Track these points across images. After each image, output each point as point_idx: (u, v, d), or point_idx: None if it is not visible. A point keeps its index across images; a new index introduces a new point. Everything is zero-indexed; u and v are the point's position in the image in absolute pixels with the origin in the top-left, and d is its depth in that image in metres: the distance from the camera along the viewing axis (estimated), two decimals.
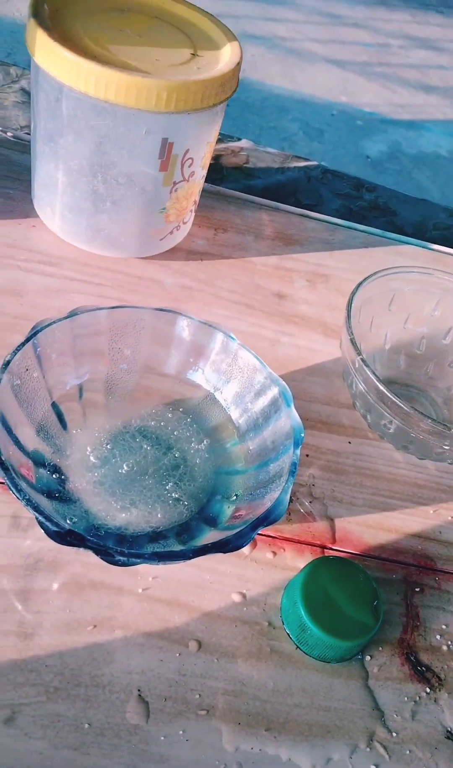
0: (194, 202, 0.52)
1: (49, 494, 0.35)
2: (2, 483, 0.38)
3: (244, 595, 0.37)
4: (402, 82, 2.20)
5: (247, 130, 1.83)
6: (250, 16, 2.32)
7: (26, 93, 0.73)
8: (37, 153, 0.48)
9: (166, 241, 0.52)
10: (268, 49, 2.19)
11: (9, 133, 0.60)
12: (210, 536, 0.35)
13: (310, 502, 0.42)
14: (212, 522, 0.36)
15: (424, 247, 0.61)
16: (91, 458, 0.38)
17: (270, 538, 0.39)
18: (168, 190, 0.47)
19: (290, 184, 0.69)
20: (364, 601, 0.34)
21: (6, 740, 0.31)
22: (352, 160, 1.83)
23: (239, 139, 0.74)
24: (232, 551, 0.31)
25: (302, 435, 0.36)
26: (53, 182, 0.48)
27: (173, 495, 0.37)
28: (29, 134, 0.62)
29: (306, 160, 0.72)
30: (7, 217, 0.53)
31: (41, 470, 0.36)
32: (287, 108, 1.98)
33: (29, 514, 0.37)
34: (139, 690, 0.33)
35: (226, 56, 0.45)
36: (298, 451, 0.35)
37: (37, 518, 0.30)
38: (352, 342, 0.41)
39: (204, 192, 0.59)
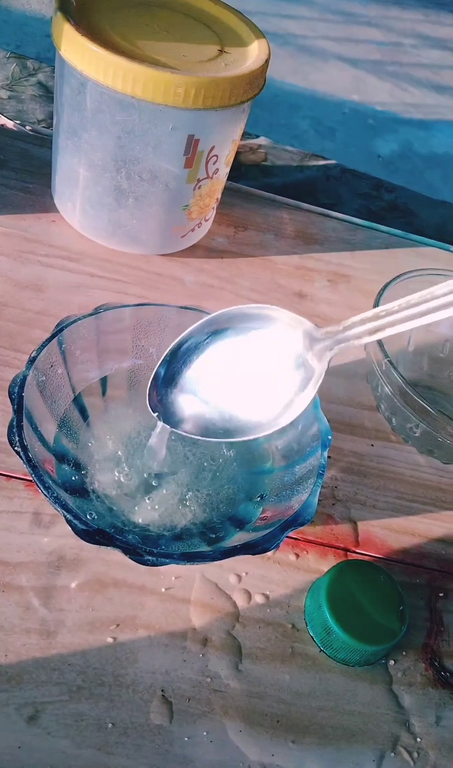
0: (216, 199, 0.52)
1: (71, 490, 0.35)
2: (22, 479, 0.38)
3: (267, 597, 0.37)
4: (414, 82, 2.19)
5: (257, 127, 1.81)
6: (263, 12, 2.31)
7: (43, 86, 0.73)
8: (59, 147, 0.48)
9: (187, 238, 0.52)
10: (280, 46, 2.18)
11: (28, 127, 0.60)
12: (237, 537, 0.34)
13: (333, 504, 0.41)
14: (239, 523, 0.36)
15: (446, 249, 0.61)
16: (114, 455, 0.38)
17: (293, 540, 0.39)
18: (191, 187, 0.47)
19: (309, 182, 0.68)
20: (389, 605, 0.34)
21: (29, 738, 0.30)
22: (364, 159, 1.82)
23: (257, 137, 0.73)
24: (260, 553, 0.30)
25: (330, 437, 0.35)
26: (75, 177, 0.48)
27: (198, 494, 0.37)
28: (47, 128, 0.62)
29: (324, 159, 0.72)
30: (27, 212, 0.52)
31: (63, 466, 0.36)
32: (298, 105, 1.97)
33: (51, 510, 0.37)
34: (162, 690, 0.33)
35: (254, 53, 0.45)
36: (325, 453, 0.35)
37: (65, 516, 0.30)
38: (380, 344, 0.41)
39: (224, 189, 0.58)
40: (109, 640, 0.34)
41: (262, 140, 0.72)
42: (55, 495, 0.30)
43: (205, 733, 0.32)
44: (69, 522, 0.30)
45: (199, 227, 0.52)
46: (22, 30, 1.92)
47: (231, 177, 0.65)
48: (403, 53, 2.33)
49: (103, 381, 0.39)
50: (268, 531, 0.31)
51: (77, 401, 0.38)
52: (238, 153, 0.69)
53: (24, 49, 1.83)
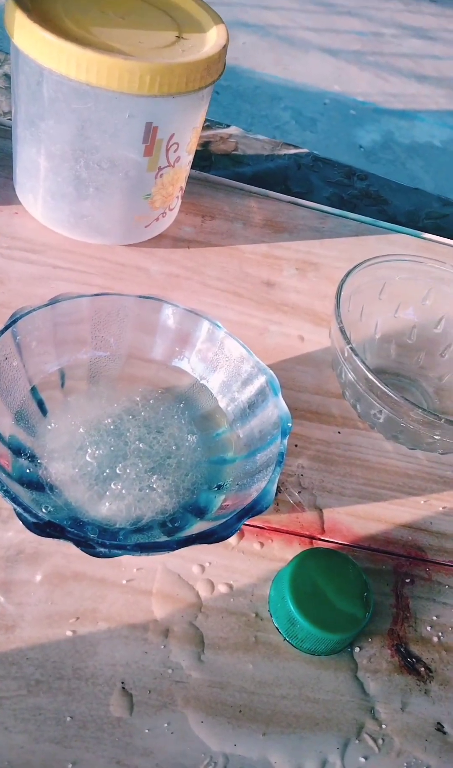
0: (181, 188, 0.51)
1: (28, 484, 0.35)
2: None
3: (230, 586, 0.36)
4: (395, 72, 2.19)
5: (238, 118, 1.81)
6: (242, 3, 2.30)
7: (9, 78, 0.72)
8: (18, 138, 0.47)
9: (152, 228, 0.51)
10: (261, 37, 2.17)
11: None
12: (197, 527, 0.34)
13: (299, 492, 0.41)
14: (199, 513, 0.35)
15: (415, 236, 0.61)
16: (72, 447, 0.37)
17: (258, 529, 0.39)
18: (153, 176, 0.47)
19: (280, 171, 0.68)
20: (353, 592, 0.34)
21: None
22: (345, 149, 1.82)
23: (228, 126, 0.73)
24: (217, 542, 0.30)
25: (290, 424, 0.35)
26: (35, 168, 0.47)
27: (159, 485, 0.37)
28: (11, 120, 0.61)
29: (296, 147, 0.71)
30: None
31: (19, 459, 0.35)
32: (279, 96, 1.97)
33: (8, 505, 0.37)
34: (122, 682, 0.32)
35: (213, 39, 0.44)
36: (285, 441, 0.34)
37: (15, 509, 0.29)
38: (342, 331, 0.40)
39: (191, 179, 0.58)
40: (69, 633, 0.33)
41: (232, 129, 0.72)
42: (5, 488, 0.30)
43: (166, 725, 0.32)
44: (19, 515, 0.29)
45: (163, 216, 0.51)
46: None
47: (201, 167, 0.65)
48: (384, 43, 2.32)
49: (62, 373, 0.39)
50: (225, 520, 0.31)
51: (34, 394, 0.37)
52: (208, 142, 0.68)
53: None
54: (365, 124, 1.94)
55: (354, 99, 2.02)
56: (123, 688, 0.32)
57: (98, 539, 0.29)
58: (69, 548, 0.35)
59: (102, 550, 0.29)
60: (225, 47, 0.44)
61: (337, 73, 2.12)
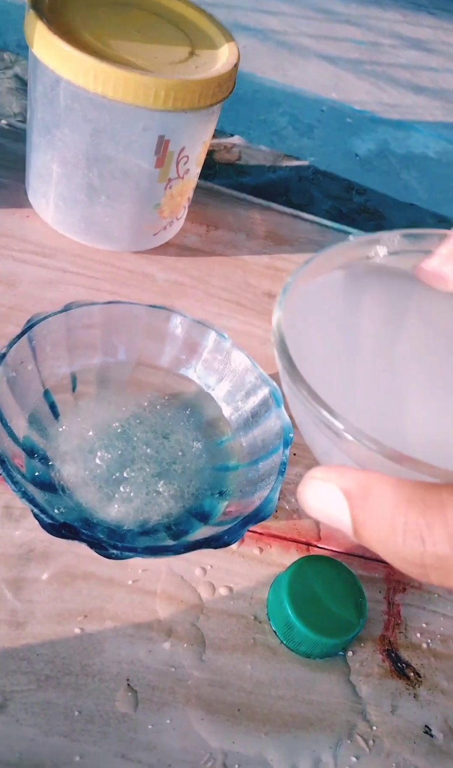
0: (188, 198, 0.52)
1: (41, 485, 0.36)
2: None
3: (231, 589, 0.38)
4: (392, 82, 2.21)
5: (237, 121, 1.83)
6: (243, 7, 2.31)
7: (20, 79, 0.73)
8: (32, 143, 0.48)
9: (160, 236, 0.53)
10: (260, 42, 2.18)
11: (3, 121, 0.60)
12: (201, 531, 0.35)
13: (297, 500, 0.42)
14: (204, 518, 0.37)
15: None
16: (83, 449, 0.38)
17: (257, 534, 0.40)
18: (163, 187, 0.48)
19: (282, 182, 0.69)
20: (348, 599, 0.35)
21: None
22: (341, 157, 1.84)
23: (232, 135, 0.74)
24: (222, 547, 0.31)
25: (291, 435, 0.36)
26: (48, 173, 0.48)
27: (165, 489, 0.38)
28: (23, 122, 0.62)
29: (297, 159, 0.73)
30: (1, 207, 0.53)
31: (32, 460, 0.36)
32: (278, 101, 1.98)
33: (21, 504, 0.38)
34: (128, 680, 0.34)
35: (224, 57, 0.45)
36: (287, 451, 0.36)
37: (32, 510, 0.31)
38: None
39: (197, 188, 0.59)
40: (77, 630, 0.34)
41: (236, 139, 0.73)
42: (23, 490, 0.31)
43: (168, 721, 0.33)
44: (36, 516, 0.30)
45: (171, 225, 0.53)
46: (3, 17, 1.90)
47: (205, 175, 0.66)
48: (382, 53, 2.35)
49: (73, 377, 0.40)
50: (229, 526, 0.32)
51: (47, 397, 0.39)
52: (212, 151, 0.70)
53: (4, 38, 1.81)
54: (362, 133, 1.96)
55: (351, 107, 2.04)
56: (128, 684, 0.33)
57: (111, 542, 0.31)
58: (79, 548, 0.37)
59: (114, 552, 0.30)
60: (236, 66, 0.45)
61: (335, 80, 2.14)
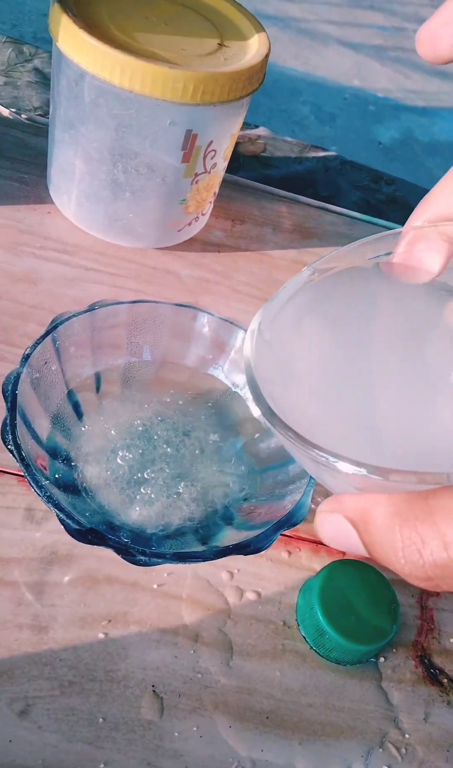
0: (214, 194, 0.51)
1: (65, 487, 0.35)
2: (15, 474, 0.38)
3: (259, 594, 0.37)
4: (416, 68, 2.17)
5: (257, 111, 1.81)
6: None
7: (40, 73, 0.72)
8: (55, 139, 0.48)
9: (184, 232, 0.52)
10: (280, 30, 2.16)
11: (24, 116, 0.60)
12: (228, 533, 0.35)
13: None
14: (227, 519, 0.36)
15: None
16: (107, 451, 0.38)
17: (286, 538, 0.39)
18: (189, 182, 0.47)
19: (308, 174, 0.68)
20: (381, 604, 0.34)
21: (20, 732, 0.31)
22: (365, 146, 1.81)
23: (257, 127, 0.73)
24: (253, 553, 0.31)
25: None
26: (71, 169, 0.47)
27: (187, 490, 0.37)
28: (43, 116, 0.61)
29: (324, 150, 0.71)
30: (22, 203, 0.52)
31: (55, 461, 0.36)
32: (299, 90, 1.96)
33: (43, 506, 0.37)
34: (153, 686, 0.33)
35: (254, 48, 0.44)
36: None
37: (57, 515, 0.30)
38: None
39: (222, 181, 0.58)
40: (101, 635, 0.34)
41: (261, 131, 0.72)
42: (48, 494, 0.30)
43: (195, 729, 0.32)
44: (62, 521, 0.30)
45: (196, 221, 0.52)
46: (19, 8, 1.89)
47: (230, 168, 0.65)
48: (406, 38, 2.31)
49: (97, 377, 0.39)
50: (260, 531, 0.32)
51: (71, 397, 0.38)
52: (237, 144, 0.69)
53: (21, 29, 1.81)
54: (385, 121, 1.93)
55: (374, 95, 2.02)
56: (154, 691, 0.33)
57: (139, 547, 0.30)
58: (102, 551, 0.36)
59: (142, 558, 0.29)
60: (267, 56, 0.44)
61: (358, 68, 2.11)
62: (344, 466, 0.20)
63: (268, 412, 0.22)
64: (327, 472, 0.21)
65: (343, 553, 0.39)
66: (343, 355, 0.25)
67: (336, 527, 0.20)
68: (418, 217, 0.26)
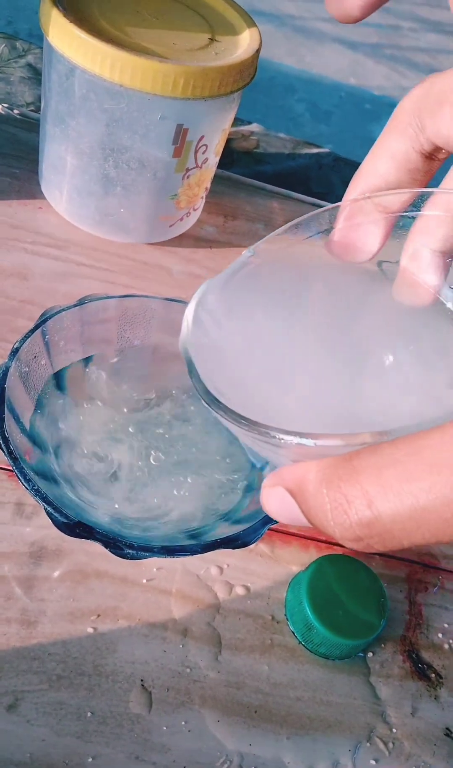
0: (206, 189, 0.51)
1: (52, 480, 0.35)
2: (5, 469, 0.38)
3: (248, 589, 0.37)
4: (412, 66, 2.17)
5: (253, 109, 1.81)
6: None
7: (32, 68, 0.72)
8: (46, 134, 0.48)
9: (176, 227, 0.52)
10: (276, 27, 2.15)
11: (16, 111, 0.59)
12: (219, 529, 0.35)
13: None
14: (222, 514, 0.36)
15: None
16: (96, 444, 0.38)
17: (275, 533, 0.39)
18: (180, 177, 0.47)
19: (301, 170, 0.68)
20: (369, 599, 0.34)
21: (8, 727, 0.31)
22: (360, 144, 1.81)
23: (250, 123, 0.73)
24: (241, 547, 0.31)
25: None
26: (62, 164, 0.47)
27: (182, 485, 0.37)
28: (36, 111, 0.61)
29: (317, 146, 0.71)
30: (13, 198, 0.52)
31: (43, 455, 0.36)
32: (295, 88, 1.96)
33: (33, 501, 0.37)
34: (142, 680, 0.33)
35: (245, 42, 0.44)
36: None
37: (45, 509, 0.30)
38: None
39: (214, 177, 0.58)
40: (90, 630, 0.34)
41: (254, 127, 0.72)
42: (36, 487, 0.30)
43: (183, 723, 0.32)
44: (49, 514, 0.30)
45: (187, 216, 0.52)
46: (13, 5, 1.89)
47: (222, 164, 0.65)
48: (402, 37, 2.31)
49: (87, 370, 0.39)
50: (248, 525, 0.32)
51: (60, 391, 0.38)
52: (230, 140, 0.69)
53: (15, 25, 1.80)
54: (381, 119, 1.93)
55: (370, 93, 2.02)
56: (142, 685, 0.33)
57: (126, 540, 0.30)
58: (91, 546, 0.36)
59: (129, 551, 0.29)
60: (258, 51, 0.44)
61: (354, 65, 2.11)
62: (276, 436, 0.20)
63: (204, 390, 0.23)
64: (267, 448, 0.21)
65: (332, 548, 0.40)
66: (277, 333, 0.26)
67: (279, 500, 0.20)
68: (354, 189, 0.26)
